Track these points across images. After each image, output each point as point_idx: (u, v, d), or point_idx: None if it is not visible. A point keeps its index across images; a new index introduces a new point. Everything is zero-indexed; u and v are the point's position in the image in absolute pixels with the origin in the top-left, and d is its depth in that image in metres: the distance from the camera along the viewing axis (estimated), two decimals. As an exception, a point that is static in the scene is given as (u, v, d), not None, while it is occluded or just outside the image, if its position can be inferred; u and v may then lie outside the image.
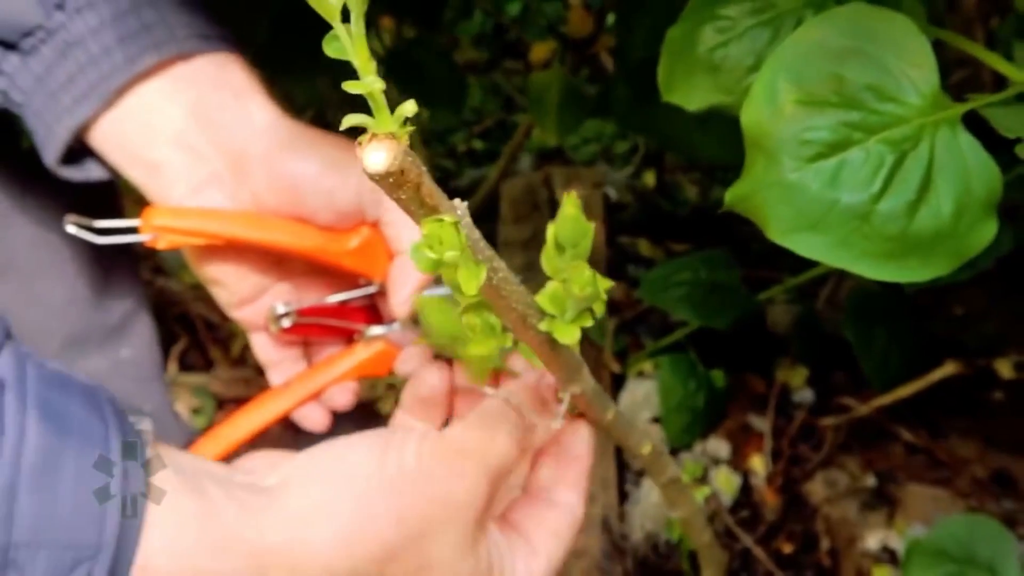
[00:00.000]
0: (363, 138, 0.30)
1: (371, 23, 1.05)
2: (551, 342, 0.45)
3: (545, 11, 1.21)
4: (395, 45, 1.04)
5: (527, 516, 0.52)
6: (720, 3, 0.59)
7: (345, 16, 0.29)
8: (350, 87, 0.30)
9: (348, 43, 0.29)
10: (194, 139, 0.56)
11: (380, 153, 0.30)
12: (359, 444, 0.47)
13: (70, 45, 0.55)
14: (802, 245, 0.51)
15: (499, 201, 1.35)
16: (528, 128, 1.28)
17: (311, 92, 1.08)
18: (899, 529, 0.97)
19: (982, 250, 0.51)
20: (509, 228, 1.30)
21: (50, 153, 0.57)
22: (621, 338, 1.17)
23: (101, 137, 0.56)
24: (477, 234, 0.37)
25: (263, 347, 0.67)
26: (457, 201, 0.35)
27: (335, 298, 0.66)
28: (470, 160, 1.66)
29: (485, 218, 1.34)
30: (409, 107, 0.30)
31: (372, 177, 0.30)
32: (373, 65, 0.30)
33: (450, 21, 1.62)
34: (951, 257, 0.51)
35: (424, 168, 0.32)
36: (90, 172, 0.60)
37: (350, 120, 0.30)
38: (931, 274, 0.51)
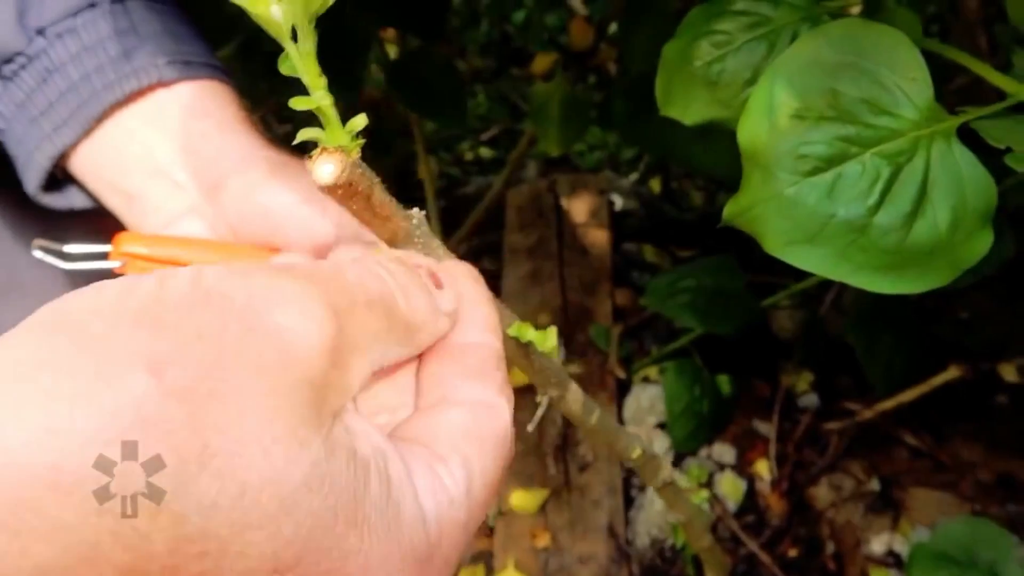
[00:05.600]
0: (315, 151, 0.31)
1: (374, 36, 1.06)
2: (522, 347, 0.46)
3: (547, 22, 1.21)
4: (400, 57, 1.05)
5: (422, 426, 0.35)
6: (716, 18, 0.60)
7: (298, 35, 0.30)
8: (297, 103, 0.30)
9: (297, 61, 0.30)
10: (173, 168, 0.55)
11: (328, 166, 0.31)
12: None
13: (50, 71, 0.54)
14: (800, 258, 0.51)
15: (505, 208, 1.36)
16: (534, 135, 1.28)
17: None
18: (904, 533, 0.97)
19: (979, 259, 0.51)
20: (515, 235, 1.30)
21: (31, 181, 0.56)
22: (626, 344, 1.18)
23: (80, 165, 0.56)
24: (436, 242, 0.38)
25: None
26: (415, 210, 0.36)
27: None
28: (477, 168, 1.67)
29: (491, 226, 1.35)
30: (359, 121, 0.31)
31: (322, 189, 0.32)
32: (323, 81, 0.31)
33: (457, 30, 1.63)
34: (948, 268, 0.51)
35: (377, 179, 0.33)
36: (72, 200, 0.59)
37: (304, 134, 0.31)
38: (928, 285, 0.51)
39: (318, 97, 0.30)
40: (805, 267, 0.51)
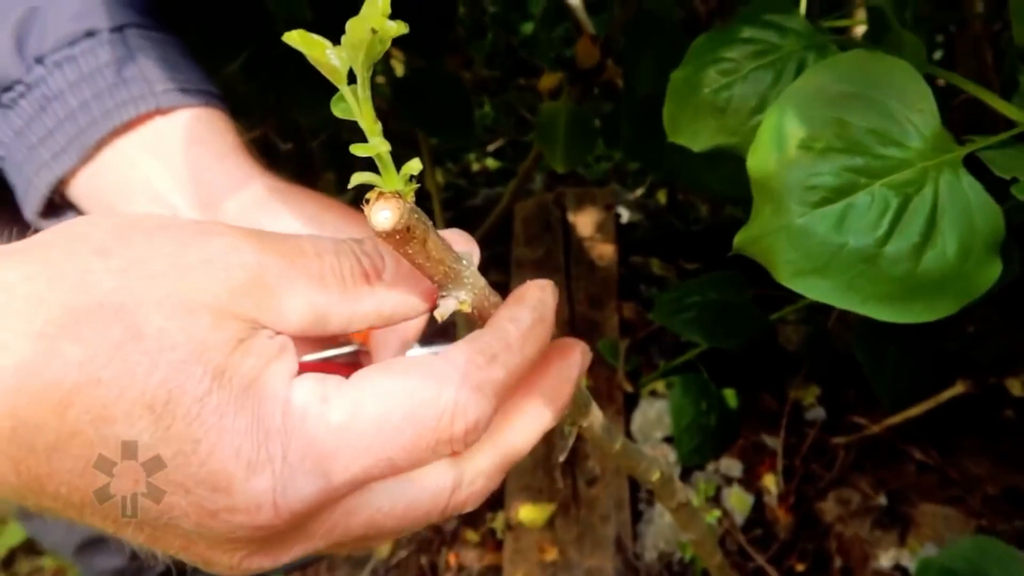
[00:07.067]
0: (371, 194, 0.31)
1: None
2: None
3: (554, 34, 1.22)
4: (405, 74, 1.05)
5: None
6: (723, 46, 0.60)
7: (352, 78, 0.30)
8: (357, 150, 0.30)
9: (355, 105, 0.30)
10: (171, 195, 0.55)
11: (387, 212, 0.31)
12: None
13: (49, 99, 0.54)
14: (810, 288, 0.51)
15: (512, 222, 1.36)
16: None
17: (321, 117, 1.09)
18: (911, 548, 0.97)
19: (988, 288, 0.52)
20: (522, 248, 1.31)
21: (30, 206, 0.56)
22: (634, 358, 1.18)
23: (79, 191, 0.56)
24: (483, 282, 0.38)
25: None
26: (463, 251, 0.36)
27: (315, 356, 0.64)
28: (484, 179, 1.67)
29: (498, 238, 1.35)
30: (414, 165, 0.31)
31: (379, 235, 0.31)
32: (379, 127, 0.31)
33: (463, 40, 1.63)
34: (957, 297, 0.52)
35: (430, 223, 0.33)
36: None
37: (358, 178, 0.31)
38: (937, 315, 0.52)
39: (376, 144, 0.30)
40: (815, 297, 0.51)
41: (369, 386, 0.34)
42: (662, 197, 1.49)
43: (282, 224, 0.54)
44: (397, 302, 0.38)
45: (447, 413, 0.34)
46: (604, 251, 1.29)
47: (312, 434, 0.33)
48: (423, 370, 0.35)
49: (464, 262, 0.36)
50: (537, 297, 0.40)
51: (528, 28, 1.56)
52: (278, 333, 0.34)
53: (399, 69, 1.18)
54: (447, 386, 0.35)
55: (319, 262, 0.36)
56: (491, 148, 1.70)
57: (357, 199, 0.33)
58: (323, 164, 1.35)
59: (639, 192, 1.51)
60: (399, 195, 0.31)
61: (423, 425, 0.34)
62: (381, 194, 0.31)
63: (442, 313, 0.37)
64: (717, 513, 1.04)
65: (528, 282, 0.42)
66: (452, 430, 0.35)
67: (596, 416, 0.53)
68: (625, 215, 1.45)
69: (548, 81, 1.00)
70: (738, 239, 0.54)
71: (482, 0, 1.62)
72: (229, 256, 0.33)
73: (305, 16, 0.99)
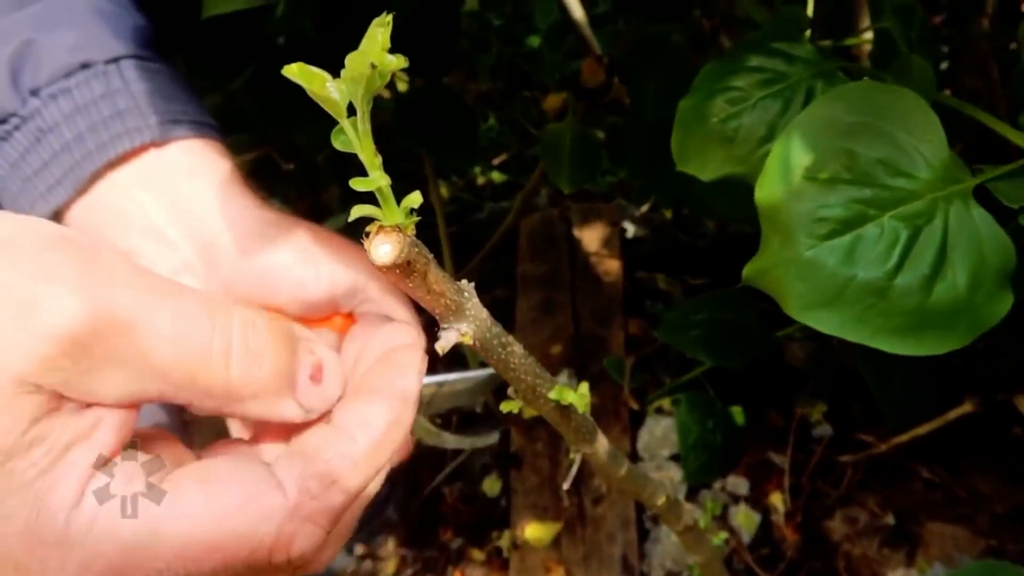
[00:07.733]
0: (371, 228, 0.31)
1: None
2: (562, 409, 0.46)
3: (556, 60, 1.21)
4: (408, 91, 1.05)
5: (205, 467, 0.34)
6: (730, 74, 0.60)
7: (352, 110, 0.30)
8: (357, 185, 0.30)
9: (355, 139, 0.30)
10: (166, 227, 0.55)
11: (387, 246, 0.31)
12: None
13: (44, 131, 0.55)
14: (820, 321, 0.51)
15: (517, 237, 1.36)
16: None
17: (320, 134, 1.09)
18: (920, 567, 0.97)
19: (1000, 319, 0.52)
20: (527, 264, 1.31)
21: None
22: (639, 375, 1.18)
23: (75, 223, 0.56)
24: (485, 313, 0.38)
25: (239, 434, 0.63)
26: (464, 283, 0.36)
27: None
28: (489, 192, 1.67)
29: (503, 253, 1.35)
30: (414, 198, 0.31)
31: (380, 268, 0.31)
32: (379, 160, 0.30)
33: (468, 53, 1.63)
34: (968, 329, 0.51)
35: (431, 256, 0.33)
36: None
37: (358, 211, 0.31)
38: (948, 347, 0.51)
39: (376, 177, 0.30)
40: (825, 330, 0.51)
41: (179, 500, 0.31)
42: (668, 212, 1.49)
43: (276, 257, 0.55)
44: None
45: (263, 547, 0.32)
46: (610, 266, 1.28)
47: (98, 550, 0.29)
48: (245, 494, 0.32)
49: (466, 293, 0.36)
50: (400, 389, 0.38)
51: (533, 41, 1.56)
52: (90, 405, 0.31)
53: (401, 85, 1.18)
54: (267, 522, 0.32)
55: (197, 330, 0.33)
56: (496, 161, 1.70)
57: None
58: (328, 178, 1.35)
59: (645, 207, 1.51)
60: (399, 229, 0.31)
61: (233, 557, 0.32)
62: (381, 227, 0.31)
63: (443, 346, 0.37)
64: (724, 535, 1.04)
65: (398, 352, 0.40)
66: (272, 560, 0.32)
67: (601, 443, 0.53)
68: (631, 230, 1.45)
69: (553, 101, 0.99)
70: (747, 271, 0.53)
71: (486, 13, 1.62)
72: (45, 310, 0.29)
73: (309, 34, 0.99)
